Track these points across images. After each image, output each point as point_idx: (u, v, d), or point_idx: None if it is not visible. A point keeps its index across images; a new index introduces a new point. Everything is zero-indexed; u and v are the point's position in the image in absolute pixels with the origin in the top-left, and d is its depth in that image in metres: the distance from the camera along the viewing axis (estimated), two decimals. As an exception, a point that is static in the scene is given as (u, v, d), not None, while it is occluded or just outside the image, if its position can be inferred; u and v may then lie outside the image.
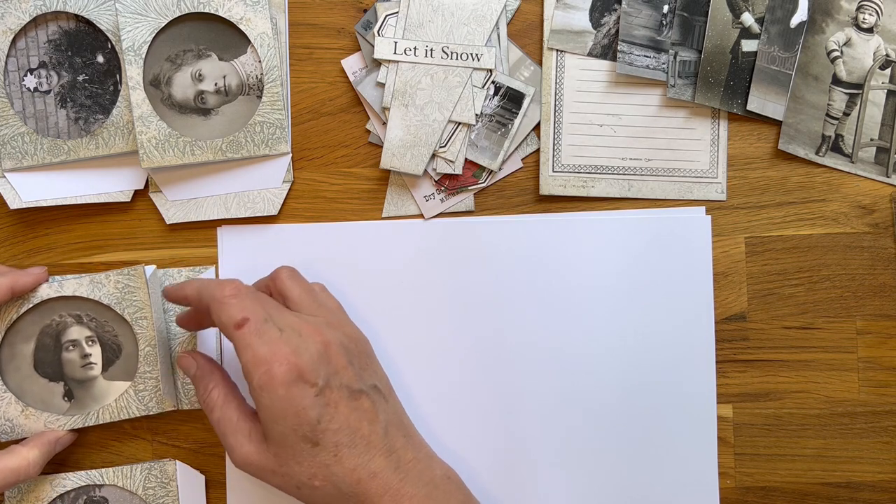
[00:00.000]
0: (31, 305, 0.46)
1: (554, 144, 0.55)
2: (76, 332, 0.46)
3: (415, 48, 0.53)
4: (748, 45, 0.54)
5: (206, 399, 0.44)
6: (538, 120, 0.55)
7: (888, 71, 0.54)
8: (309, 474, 0.41)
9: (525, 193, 0.55)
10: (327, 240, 0.55)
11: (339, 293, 0.55)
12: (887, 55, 0.54)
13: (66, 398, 0.47)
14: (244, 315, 0.41)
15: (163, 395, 0.47)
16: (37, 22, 0.53)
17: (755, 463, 0.55)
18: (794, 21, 0.54)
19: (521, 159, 0.55)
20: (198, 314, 0.47)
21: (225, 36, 0.53)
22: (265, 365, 0.40)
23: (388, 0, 0.54)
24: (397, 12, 0.53)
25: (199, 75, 0.53)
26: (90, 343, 0.46)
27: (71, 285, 0.46)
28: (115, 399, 0.47)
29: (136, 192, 0.55)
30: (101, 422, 0.47)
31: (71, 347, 0.46)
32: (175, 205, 0.55)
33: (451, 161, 0.54)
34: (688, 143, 0.55)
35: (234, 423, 0.43)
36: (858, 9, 0.54)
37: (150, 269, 0.46)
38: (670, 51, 0.54)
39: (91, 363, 0.47)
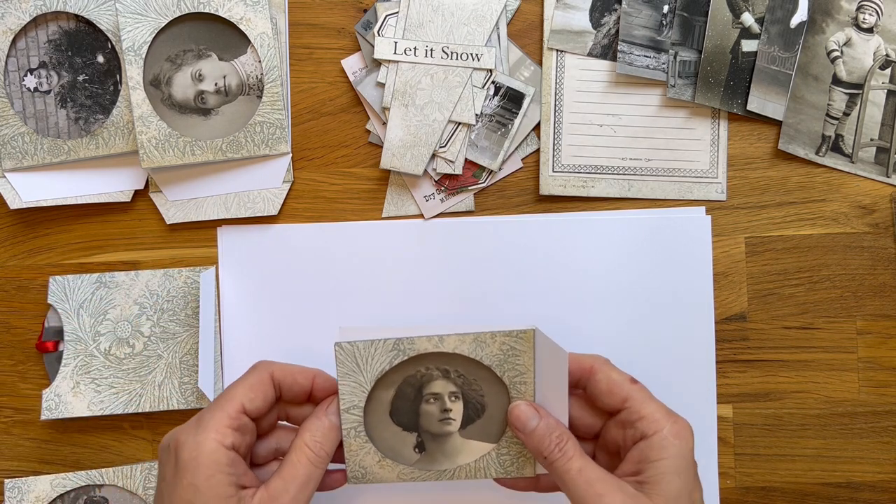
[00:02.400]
0: (405, 358, 0.43)
1: (554, 144, 0.55)
2: (440, 387, 0.44)
3: (415, 48, 0.53)
4: (748, 45, 0.54)
5: (563, 450, 0.42)
6: (538, 120, 0.55)
7: (888, 71, 0.54)
8: None
9: (525, 193, 0.55)
10: (327, 240, 0.55)
11: (339, 293, 0.55)
12: (887, 55, 0.54)
13: (416, 449, 0.45)
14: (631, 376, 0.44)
15: (525, 460, 0.45)
16: (37, 22, 0.53)
17: (755, 463, 0.55)
18: (794, 21, 0.54)
19: (521, 159, 0.55)
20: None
21: (225, 36, 0.53)
22: (678, 418, 0.42)
23: (388, 0, 0.54)
24: (397, 12, 0.53)
25: (199, 75, 0.53)
26: (453, 399, 0.44)
27: (452, 342, 0.43)
28: (476, 460, 0.45)
29: (136, 192, 0.55)
30: (456, 479, 0.45)
31: (432, 400, 0.44)
32: (175, 205, 0.55)
33: (451, 161, 0.54)
34: (688, 143, 0.55)
35: (599, 472, 0.41)
36: (858, 9, 0.54)
37: (539, 332, 0.43)
38: (670, 51, 0.54)
39: (450, 419, 0.45)
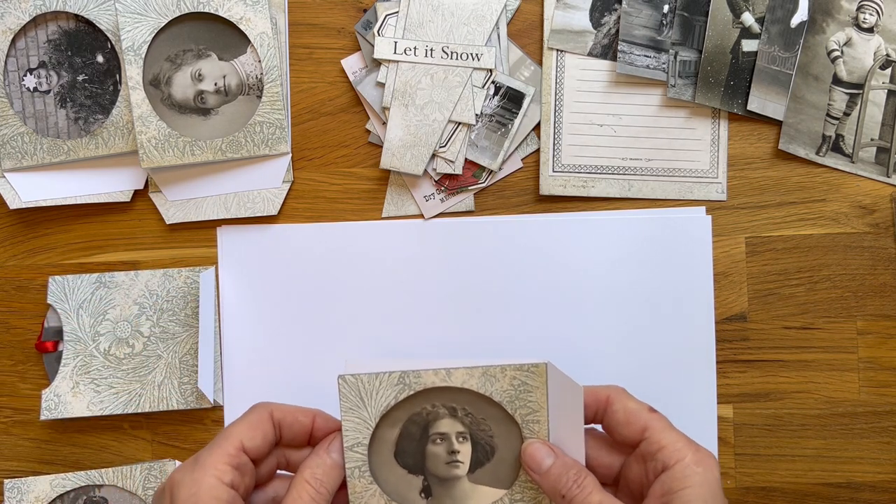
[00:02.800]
0: (412, 393, 0.41)
1: (554, 144, 0.54)
2: (447, 426, 0.42)
3: (415, 48, 0.53)
4: (748, 45, 0.54)
5: (581, 486, 0.40)
6: (538, 120, 0.55)
7: (888, 71, 0.54)
8: None
9: (525, 193, 0.55)
10: (327, 240, 0.55)
11: (339, 293, 0.55)
12: (888, 55, 0.54)
13: (423, 494, 0.42)
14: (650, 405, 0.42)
15: None
16: (37, 22, 0.53)
17: (755, 463, 0.55)
18: (795, 21, 0.54)
19: (521, 159, 0.55)
20: None
21: (225, 36, 0.53)
22: (700, 447, 0.40)
23: (388, 0, 0.54)
24: (397, 12, 0.53)
25: (199, 75, 0.53)
26: (461, 440, 0.42)
27: (460, 376, 0.41)
28: None
29: (136, 192, 0.55)
30: None
31: (439, 441, 0.42)
32: (175, 205, 0.55)
33: (451, 161, 0.54)
34: (688, 143, 0.55)
35: None
36: (859, 9, 0.54)
37: (551, 366, 0.41)
38: (670, 51, 0.54)
39: (457, 461, 0.42)
